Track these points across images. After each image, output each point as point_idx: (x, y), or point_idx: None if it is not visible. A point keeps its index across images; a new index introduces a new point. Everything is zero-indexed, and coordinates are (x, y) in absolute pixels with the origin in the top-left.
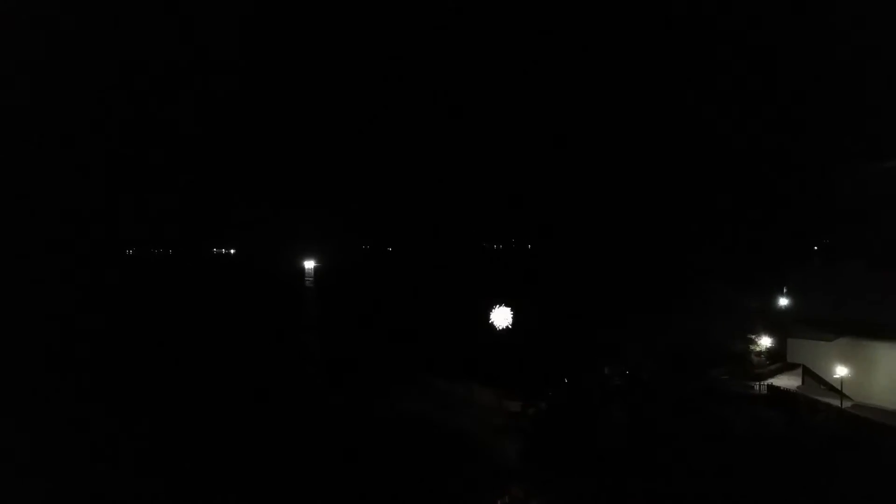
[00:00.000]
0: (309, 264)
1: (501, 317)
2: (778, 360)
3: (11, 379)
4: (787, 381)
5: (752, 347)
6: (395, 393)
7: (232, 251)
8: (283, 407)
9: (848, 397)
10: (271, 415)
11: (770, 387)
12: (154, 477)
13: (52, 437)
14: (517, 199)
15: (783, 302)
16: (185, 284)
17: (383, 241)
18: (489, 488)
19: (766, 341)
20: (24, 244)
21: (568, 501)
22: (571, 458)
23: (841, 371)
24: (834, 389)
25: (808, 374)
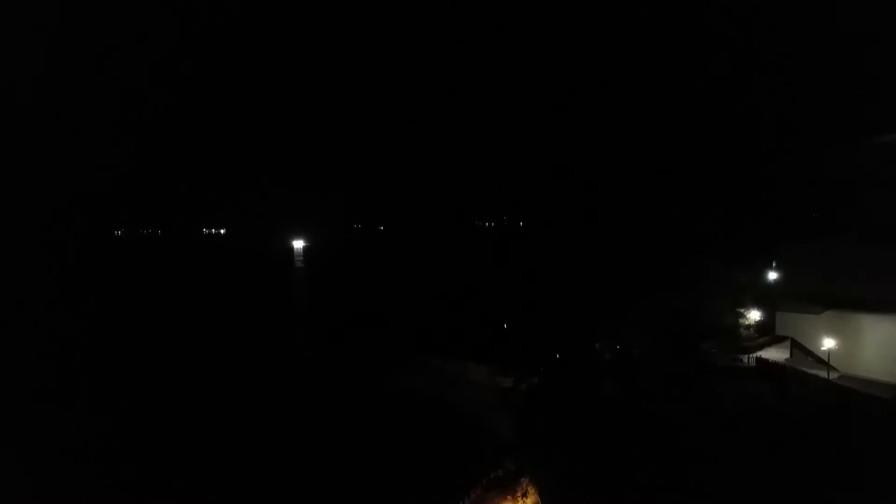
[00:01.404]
0: (298, 244)
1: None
2: (767, 333)
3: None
4: (775, 354)
5: (741, 321)
6: (389, 371)
7: (222, 231)
8: (281, 387)
9: (835, 369)
10: (270, 395)
11: (759, 359)
12: (156, 460)
13: (41, 427)
14: (509, 178)
15: (772, 276)
16: (176, 266)
17: (374, 220)
18: (481, 463)
19: (755, 315)
20: (10, 226)
21: (559, 475)
22: (562, 432)
23: (828, 343)
24: (821, 361)
25: (797, 347)
